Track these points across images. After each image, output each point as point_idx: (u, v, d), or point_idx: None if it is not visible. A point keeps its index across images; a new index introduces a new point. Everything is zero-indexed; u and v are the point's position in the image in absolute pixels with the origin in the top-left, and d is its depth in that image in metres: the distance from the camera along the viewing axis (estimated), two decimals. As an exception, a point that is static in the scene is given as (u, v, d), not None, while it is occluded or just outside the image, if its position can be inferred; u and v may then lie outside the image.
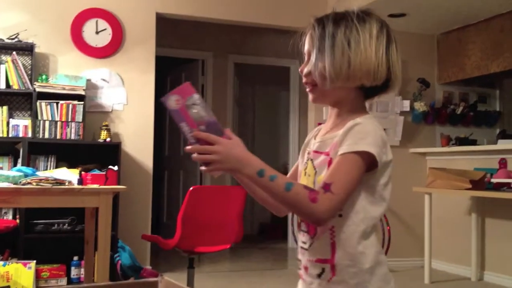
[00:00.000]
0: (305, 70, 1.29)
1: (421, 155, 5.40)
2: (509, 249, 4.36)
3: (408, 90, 5.42)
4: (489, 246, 4.67)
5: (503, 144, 4.59)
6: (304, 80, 1.30)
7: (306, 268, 1.29)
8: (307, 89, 1.31)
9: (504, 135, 5.18)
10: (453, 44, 5.41)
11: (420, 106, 5.34)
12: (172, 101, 1.15)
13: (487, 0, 4.53)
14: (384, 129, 5.68)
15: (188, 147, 1.14)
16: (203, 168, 1.15)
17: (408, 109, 5.37)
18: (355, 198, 1.21)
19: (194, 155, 1.14)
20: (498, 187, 4.13)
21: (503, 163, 4.29)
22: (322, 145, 1.28)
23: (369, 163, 1.18)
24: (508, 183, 4.02)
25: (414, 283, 4.61)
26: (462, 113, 5.53)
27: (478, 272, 4.69)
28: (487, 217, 4.69)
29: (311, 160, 1.29)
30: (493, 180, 4.11)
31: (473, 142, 5.25)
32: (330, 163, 1.22)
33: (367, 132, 1.19)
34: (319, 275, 1.24)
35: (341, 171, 1.16)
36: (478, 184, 4.19)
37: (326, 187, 1.14)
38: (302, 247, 1.30)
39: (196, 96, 1.15)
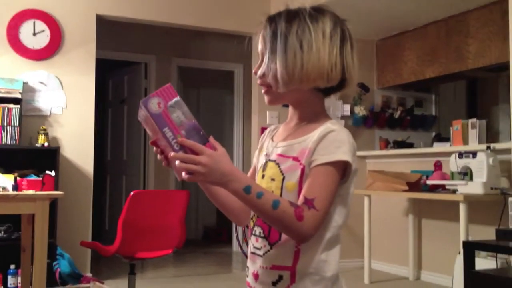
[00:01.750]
0: (259, 72, 1.24)
1: (361, 158, 5.54)
2: (445, 249, 4.53)
3: (349, 95, 5.55)
4: (426, 246, 4.84)
5: (438, 147, 4.77)
6: (258, 81, 1.27)
7: (255, 275, 1.24)
8: (263, 91, 1.27)
9: (439, 138, 5.39)
10: (391, 50, 5.58)
11: (360, 110, 5.49)
12: (154, 104, 1.08)
13: (424, 7, 4.71)
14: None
15: (172, 154, 1.08)
16: (185, 176, 1.09)
17: (348, 113, 5.50)
18: None
19: (177, 163, 1.08)
20: (434, 188, 4.29)
21: (438, 165, 4.46)
22: (289, 149, 1.23)
23: (342, 171, 1.17)
24: (443, 185, 4.18)
25: (354, 284, 4.72)
26: (400, 117, 5.71)
27: (415, 272, 4.85)
28: (423, 217, 4.86)
29: (277, 163, 1.24)
30: (429, 182, 4.26)
31: (410, 145, 5.43)
32: (303, 171, 1.18)
33: (341, 140, 1.16)
34: (275, 283, 1.20)
35: (321, 185, 1.14)
36: (415, 186, 4.34)
37: (309, 203, 1.11)
38: (254, 253, 1.25)
39: (178, 99, 1.10)
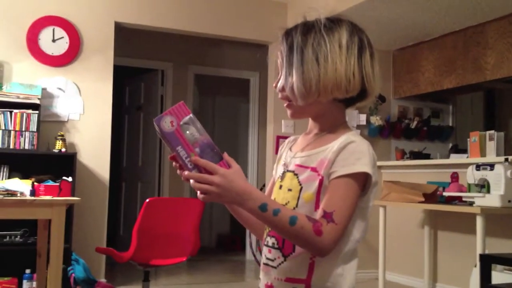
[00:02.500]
0: (278, 86, 1.24)
1: (377, 169, 5.51)
2: (460, 261, 4.48)
3: (365, 105, 5.52)
4: (441, 258, 4.78)
5: (455, 159, 4.73)
6: (279, 96, 1.25)
7: (269, 287, 1.23)
8: (284, 105, 1.26)
9: (456, 150, 5.34)
10: (408, 60, 5.56)
11: (376, 120, 5.46)
12: (167, 123, 1.07)
13: (441, 18, 4.69)
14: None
15: (185, 173, 1.08)
16: (200, 196, 1.09)
17: (364, 123, 5.48)
18: None
19: (192, 182, 1.08)
20: (450, 200, 4.24)
21: (455, 177, 4.41)
22: (308, 160, 1.21)
23: (363, 184, 1.15)
24: (460, 197, 4.13)
25: (369, 295, 4.68)
26: (416, 128, 5.67)
27: (430, 284, 4.79)
28: (439, 229, 4.81)
29: (295, 174, 1.22)
30: (445, 194, 4.22)
31: (427, 156, 5.39)
32: (321, 182, 1.16)
33: (362, 152, 1.15)
34: None
35: (340, 197, 1.12)
36: (431, 197, 4.29)
37: (328, 216, 1.10)
38: (267, 264, 1.23)
39: (192, 117, 1.09)
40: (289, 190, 1.22)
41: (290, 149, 1.31)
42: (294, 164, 1.24)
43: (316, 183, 1.17)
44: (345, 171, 1.13)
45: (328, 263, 1.16)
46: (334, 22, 1.21)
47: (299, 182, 1.20)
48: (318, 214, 1.13)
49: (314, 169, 1.19)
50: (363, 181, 1.15)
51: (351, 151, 1.15)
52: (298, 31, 1.21)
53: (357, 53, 1.19)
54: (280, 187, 1.25)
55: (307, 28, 1.21)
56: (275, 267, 1.21)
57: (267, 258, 1.24)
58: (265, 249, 1.25)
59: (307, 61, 1.17)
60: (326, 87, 1.17)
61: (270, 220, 1.10)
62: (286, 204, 1.21)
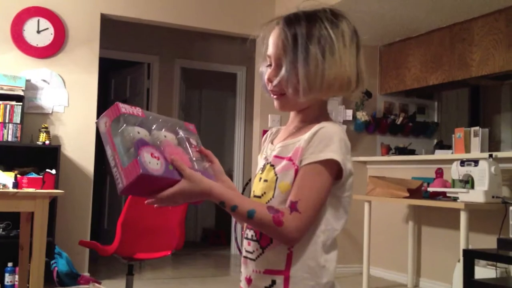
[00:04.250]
0: (275, 81, 1.19)
1: (362, 164, 5.53)
2: (444, 257, 4.51)
3: (351, 100, 5.55)
4: (425, 253, 4.82)
5: (439, 154, 4.76)
6: (270, 87, 1.22)
7: (249, 280, 1.22)
8: (273, 96, 1.23)
9: (441, 146, 5.38)
10: (394, 56, 5.58)
11: (362, 116, 5.48)
12: (102, 123, 1.10)
13: (428, 14, 4.71)
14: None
15: (149, 201, 1.13)
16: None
17: (350, 118, 5.50)
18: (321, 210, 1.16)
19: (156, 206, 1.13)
20: (434, 195, 4.27)
21: (439, 172, 4.44)
22: (284, 150, 1.20)
23: (335, 172, 1.13)
24: (444, 192, 4.16)
25: (353, 289, 4.71)
26: (402, 124, 5.70)
27: (414, 279, 4.83)
28: (423, 225, 4.85)
29: (272, 165, 1.21)
30: (430, 189, 4.25)
31: (412, 152, 5.42)
32: (296, 171, 1.15)
33: (330, 138, 1.12)
34: None
35: (306, 186, 1.11)
36: (415, 192, 4.32)
37: (292, 205, 1.10)
38: (246, 257, 1.23)
39: (123, 116, 1.07)
40: (265, 181, 1.21)
41: (272, 142, 1.30)
42: (272, 156, 1.23)
43: (292, 172, 1.16)
44: (312, 159, 1.12)
45: (307, 254, 1.15)
46: (336, 17, 1.19)
47: (274, 172, 1.19)
48: (286, 204, 1.13)
49: (289, 159, 1.18)
50: (334, 169, 1.13)
51: (321, 138, 1.13)
52: (302, 22, 1.17)
53: (355, 51, 1.19)
54: (260, 179, 1.24)
55: (311, 20, 1.17)
56: (253, 260, 1.20)
57: (247, 251, 1.23)
58: (245, 242, 1.25)
59: (313, 58, 1.14)
60: (330, 85, 1.16)
61: (233, 215, 1.13)
62: (263, 195, 1.20)
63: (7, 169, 3.66)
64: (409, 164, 5.01)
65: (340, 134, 1.14)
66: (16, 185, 3.03)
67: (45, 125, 4.39)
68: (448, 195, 4.10)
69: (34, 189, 3.05)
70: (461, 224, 3.65)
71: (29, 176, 3.22)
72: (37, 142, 4.31)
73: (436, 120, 6.01)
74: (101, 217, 6.74)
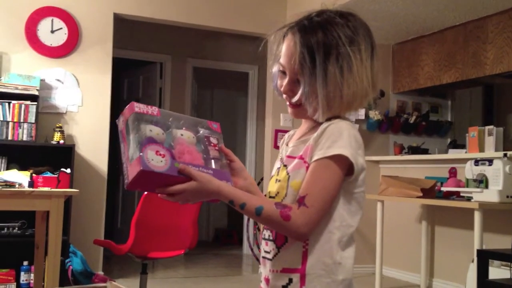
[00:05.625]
0: (294, 99, 1.19)
1: (375, 163, 5.51)
2: (457, 257, 4.48)
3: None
4: (438, 253, 4.79)
5: (453, 154, 4.73)
6: (285, 98, 1.22)
7: (267, 280, 1.23)
8: (288, 104, 1.23)
9: (454, 145, 5.34)
10: (407, 54, 5.55)
11: (374, 115, 5.45)
12: (119, 122, 1.14)
13: (442, 11, 4.67)
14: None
15: (161, 195, 1.13)
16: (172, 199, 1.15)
17: (363, 117, 5.48)
18: (333, 205, 1.16)
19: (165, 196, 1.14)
20: (448, 195, 4.25)
21: (453, 172, 4.41)
22: (295, 150, 1.22)
23: (346, 167, 1.13)
24: (458, 192, 4.13)
25: (366, 289, 4.69)
26: (415, 123, 5.67)
27: (427, 279, 4.80)
28: (436, 225, 4.82)
29: (285, 165, 1.23)
30: (443, 189, 4.22)
31: (425, 151, 5.39)
32: (307, 169, 1.16)
33: (340, 133, 1.13)
34: (285, 287, 1.18)
35: (314, 181, 1.12)
36: (429, 192, 4.29)
37: (300, 200, 1.11)
38: (264, 257, 1.24)
39: (135, 115, 1.11)
40: (278, 181, 1.23)
41: (287, 144, 1.30)
42: (286, 156, 1.25)
43: (303, 170, 1.17)
44: (321, 155, 1.13)
45: (322, 251, 1.16)
46: (351, 26, 1.16)
47: (287, 172, 1.21)
48: (295, 200, 1.15)
49: (300, 157, 1.19)
50: (344, 164, 1.13)
51: (329, 134, 1.13)
52: (318, 33, 1.14)
53: (370, 60, 1.18)
54: (276, 180, 1.25)
55: (326, 29, 1.15)
56: (270, 259, 1.21)
57: (265, 251, 1.24)
58: (263, 242, 1.26)
59: (331, 78, 1.13)
60: (351, 104, 1.17)
61: (243, 213, 1.15)
62: (276, 194, 1.22)
63: (22, 168, 3.69)
64: (422, 163, 4.99)
65: (349, 129, 1.14)
66: (31, 184, 3.06)
67: (59, 124, 4.43)
68: (462, 194, 4.07)
69: (49, 188, 3.08)
70: (475, 224, 3.62)
71: (45, 175, 3.25)
72: (52, 142, 4.35)
73: (449, 119, 5.96)
74: (115, 216, 6.78)
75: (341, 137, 1.12)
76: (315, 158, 1.13)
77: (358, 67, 1.15)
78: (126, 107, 1.13)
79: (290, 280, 1.17)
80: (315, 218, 1.11)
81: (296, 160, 1.19)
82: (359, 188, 1.18)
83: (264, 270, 1.24)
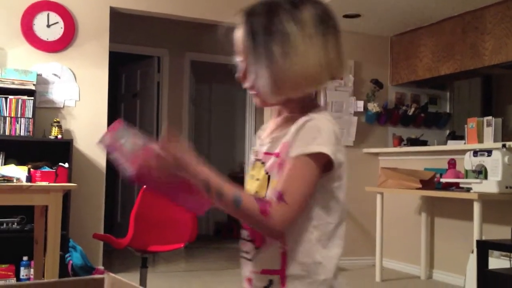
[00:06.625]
0: (246, 84, 1.18)
1: (374, 155, 5.51)
2: (457, 248, 4.49)
3: (362, 91, 5.52)
4: (438, 244, 4.80)
5: (452, 145, 4.73)
6: (245, 85, 1.19)
7: (249, 280, 1.21)
8: (252, 93, 1.20)
9: (453, 136, 5.33)
10: (405, 46, 5.53)
11: (373, 107, 5.45)
12: (105, 138, 1.16)
13: (440, 3, 4.66)
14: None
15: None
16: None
17: (362, 109, 5.47)
18: (310, 204, 1.13)
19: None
20: (447, 186, 4.25)
21: (452, 163, 4.41)
22: (272, 146, 1.18)
23: (324, 164, 1.10)
24: (457, 183, 4.14)
25: (365, 282, 4.70)
26: (414, 114, 5.66)
27: (427, 271, 4.81)
28: (436, 216, 4.82)
29: (262, 162, 1.19)
30: (442, 180, 4.22)
31: (424, 143, 5.39)
32: (280, 166, 1.12)
33: (319, 130, 1.10)
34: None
35: (293, 178, 1.08)
36: (428, 183, 4.30)
37: (279, 196, 1.07)
38: (244, 257, 1.22)
39: (122, 127, 1.13)
40: (257, 179, 1.19)
41: (260, 136, 1.28)
42: (262, 152, 1.21)
43: (276, 170, 1.14)
44: (299, 152, 1.09)
45: (301, 251, 1.13)
46: (296, 2, 1.13)
47: (265, 170, 1.17)
48: (273, 195, 1.10)
49: (277, 155, 1.16)
50: (321, 162, 1.09)
51: (308, 130, 1.10)
52: (261, 15, 1.14)
53: (323, 37, 1.13)
54: (252, 176, 1.22)
55: (270, 10, 1.13)
56: (250, 260, 1.19)
57: (243, 251, 1.22)
58: (241, 242, 1.23)
59: (275, 57, 1.10)
60: (299, 84, 1.12)
61: (218, 203, 1.07)
62: (256, 194, 1.18)
63: (20, 163, 3.68)
64: (421, 155, 4.98)
65: (327, 125, 1.11)
66: (29, 179, 3.05)
67: (57, 119, 4.41)
68: (461, 186, 4.08)
69: (47, 182, 3.07)
70: (475, 215, 3.62)
71: (43, 170, 3.24)
72: (50, 136, 4.34)
73: (448, 111, 5.96)
74: (114, 211, 6.77)
75: (321, 134, 1.09)
76: (294, 154, 1.09)
77: (305, 45, 1.10)
78: (111, 126, 1.17)
79: (271, 282, 1.16)
80: (292, 216, 1.08)
81: (273, 158, 1.16)
82: (337, 182, 1.15)
83: (245, 270, 1.22)
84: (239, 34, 1.19)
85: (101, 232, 4.60)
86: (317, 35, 1.12)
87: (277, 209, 1.06)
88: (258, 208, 1.05)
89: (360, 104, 5.46)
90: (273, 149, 1.17)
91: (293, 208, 1.07)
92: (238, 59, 1.20)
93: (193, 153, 1.07)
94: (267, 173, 1.16)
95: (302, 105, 1.18)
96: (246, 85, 1.18)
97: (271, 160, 1.16)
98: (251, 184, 1.21)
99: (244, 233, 1.21)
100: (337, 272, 1.17)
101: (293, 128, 1.13)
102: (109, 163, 4.90)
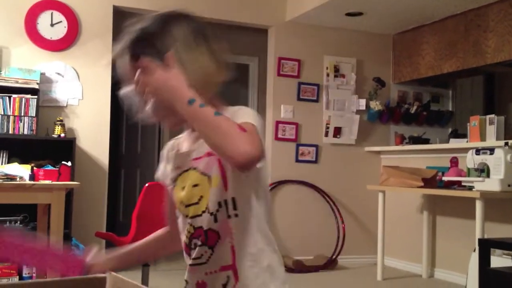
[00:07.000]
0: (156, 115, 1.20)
1: (376, 154, 5.51)
2: (459, 247, 4.49)
3: (364, 89, 5.51)
4: (440, 243, 4.80)
5: (454, 143, 4.72)
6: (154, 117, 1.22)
7: (203, 285, 1.22)
8: (163, 121, 1.24)
9: (456, 135, 5.33)
10: (408, 44, 5.53)
11: (375, 105, 5.44)
12: None
13: (442, 0, 4.65)
14: (340, 128, 5.68)
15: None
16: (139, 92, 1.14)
17: (364, 108, 5.46)
18: (248, 193, 1.18)
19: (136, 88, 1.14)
20: (449, 185, 4.25)
21: (454, 161, 4.41)
22: (199, 149, 1.21)
23: None
24: (459, 181, 4.14)
25: (366, 280, 4.70)
26: (416, 113, 5.66)
27: (429, 269, 4.81)
28: (438, 214, 4.82)
29: (194, 168, 1.22)
30: (445, 178, 4.22)
31: (426, 141, 5.38)
32: (220, 162, 1.16)
33: (252, 114, 1.14)
34: (225, 285, 1.19)
35: (247, 125, 1.08)
36: (430, 182, 4.30)
37: (244, 129, 1.04)
38: (195, 264, 1.23)
39: None
40: (195, 185, 1.21)
41: (177, 151, 1.29)
42: (190, 160, 1.23)
43: (216, 165, 1.17)
44: (245, 119, 1.11)
45: (246, 242, 1.18)
46: (168, 23, 1.21)
47: (202, 173, 1.20)
48: None
49: (209, 153, 1.18)
50: None
51: (245, 110, 1.17)
52: (147, 44, 1.18)
53: (202, 47, 1.21)
54: (183, 188, 1.24)
55: (154, 35, 1.19)
56: (205, 263, 1.21)
57: (194, 259, 1.23)
58: (186, 256, 1.26)
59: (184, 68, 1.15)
60: (199, 93, 1.13)
61: (197, 112, 1.06)
62: (200, 199, 1.20)
63: (23, 162, 3.69)
64: (424, 153, 4.98)
65: (258, 116, 1.17)
66: (32, 177, 3.06)
67: (60, 118, 4.43)
68: (463, 184, 4.08)
69: (50, 181, 3.08)
70: (477, 213, 3.62)
71: (46, 168, 3.26)
72: (53, 135, 4.35)
73: (450, 109, 5.95)
74: (116, 210, 6.79)
75: (253, 115, 1.14)
76: (239, 121, 1.09)
77: (191, 58, 1.17)
78: None
79: (228, 278, 1.19)
80: (260, 146, 1.04)
81: (205, 158, 1.19)
82: (262, 172, 1.19)
83: (195, 276, 1.24)
84: (127, 69, 1.21)
85: (104, 231, 4.62)
86: (197, 47, 1.19)
87: (251, 133, 1.05)
88: (236, 125, 1.05)
89: (362, 102, 5.46)
90: (202, 151, 1.20)
91: (260, 142, 1.06)
92: (137, 94, 1.20)
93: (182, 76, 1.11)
94: (205, 174, 1.19)
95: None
96: (155, 116, 1.20)
97: (203, 161, 1.20)
98: (188, 194, 1.22)
99: (193, 242, 1.22)
100: (280, 257, 1.23)
101: (228, 113, 1.15)
102: (112, 162, 4.93)
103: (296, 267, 4.75)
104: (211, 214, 1.18)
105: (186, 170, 1.24)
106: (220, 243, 1.18)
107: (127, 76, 1.21)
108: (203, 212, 1.19)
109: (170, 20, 1.23)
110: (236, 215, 1.17)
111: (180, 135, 1.34)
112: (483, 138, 4.35)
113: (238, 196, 1.17)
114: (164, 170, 1.34)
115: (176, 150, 1.31)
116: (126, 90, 1.22)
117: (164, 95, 1.09)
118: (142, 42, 1.19)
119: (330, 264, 5.05)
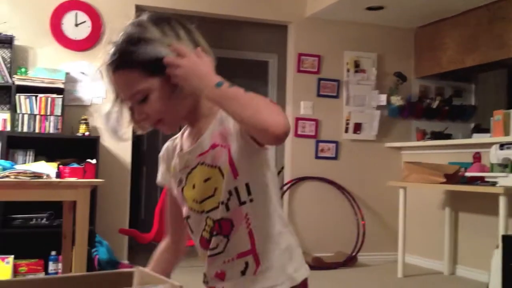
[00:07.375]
0: (150, 121, 1.25)
1: (397, 149, 5.48)
2: (481, 243, 4.44)
3: (385, 84, 5.49)
4: (462, 240, 4.76)
5: (477, 138, 4.67)
6: (149, 122, 1.26)
7: (220, 274, 1.24)
8: (158, 127, 1.26)
9: (478, 130, 5.27)
10: (429, 38, 5.48)
11: (396, 100, 5.41)
12: None
13: (464, -7, 4.60)
14: (360, 124, 5.65)
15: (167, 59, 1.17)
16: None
17: (384, 103, 5.43)
18: (261, 177, 1.20)
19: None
20: (472, 181, 4.20)
21: (477, 157, 4.37)
22: (201, 146, 1.23)
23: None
24: (482, 177, 4.10)
25: (387, 277, 4.69)
26: (438, 108, 5.61)
27: (450, 266, 4.77)
28: (460, 211, 4.78)
29: (202, 163, 1.22)
30: (467, 174, 4.19)
31: (448, 136, 5.34)
32: (229, 151, 1.17)
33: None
34: (243, 272, 1.21)
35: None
36: (452, 178, 4.26)
37: (274, 103, 1.11)
38: (212, 255, 1.24)
39: None
40: (207, 180, 1.22)
41: (181, 152, 1.30)
42: (195, 157, 1.24)
43: (226, 153, 1.18)
44: None
45: (264, 225, 1.20)
46: (148, 27, 1.24)
47: (211, 165, 1.21)
48: None
49: (214, 145, 1.21)
50: None
51: None
52: (140, 49, 1.22)
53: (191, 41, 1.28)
54: (194, 186, 1.25)
55: (141, 41, 1.22)
56: (222, 252, 1.23)
57: (211, 249, 1.24)
58: (201, 249, 1.27)
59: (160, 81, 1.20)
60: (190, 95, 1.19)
61: (227, 92, 1.10)
62: (215, 191, 1.21)
63: (49, 160, 3.77)
64: (446, 149, 4.94)
65: None
66: (58, 175, 3.13)
67: (85, 116, 4.51)
68: (486, 179, 4.04)
69: (75, 178, 3.14)
70: (500, 209, 3.59)
71: (71, 166, 3.32)
72: (77, 134, 4.43)
73: (473, 103, 5.88)
74: (138, 207, 6.87)
75: None
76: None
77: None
78: None
79: (246, 264, 1.20)
80: (288, 125, 1.06)
81: (211, 151, 1.21)
82: (269, 155, 1.22)
83: (213, 267, 1.25)
84: (121, 83, 1.25)
85: (126, 227, 4.69)
86: (188, 43, 1.24)
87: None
88: (268, 98, 1.09)
89: (383, 97, 5.43)
90: (206, 146, 1.22)
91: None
92: (128, 106, 1.26)
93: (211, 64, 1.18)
94: (215, 166, 1.20)
95: (199, 111, 1.25)
96: (151, 123, 1.25)
97: (210, 154, 1.21)
98: (200, 190, 1.23)
99: (205, 234, 1.24)
100: (296, 239, 1.26)
101: (216, 120, 1.20)
102: (134, 160, 4.99)
103: (316, 264, 4.75)
104: (222, 203, 1.20)
105: (194, 168, 1.25)
106: (234, 230, 1.20)
107: (125, 90, 1.26)
108: (220, 203, 1.21)
109: (164, 22, 1.28)
110: (251, 200, 1.19)
111: (175, 136, 1.36)
112: (507, 132, 4.29)
113: (251, 181, 1.19)
114: (164, 173, 1.37)
115: (178, 150, 1.32)
116: (112, 107, 1.29)
117: (193, 80, 1.13)
118: (145, 45, 1.22)
119: (350, 261, 5.05)
